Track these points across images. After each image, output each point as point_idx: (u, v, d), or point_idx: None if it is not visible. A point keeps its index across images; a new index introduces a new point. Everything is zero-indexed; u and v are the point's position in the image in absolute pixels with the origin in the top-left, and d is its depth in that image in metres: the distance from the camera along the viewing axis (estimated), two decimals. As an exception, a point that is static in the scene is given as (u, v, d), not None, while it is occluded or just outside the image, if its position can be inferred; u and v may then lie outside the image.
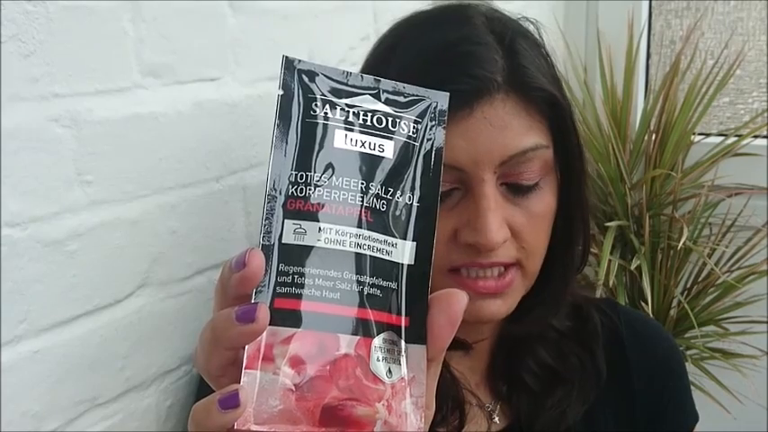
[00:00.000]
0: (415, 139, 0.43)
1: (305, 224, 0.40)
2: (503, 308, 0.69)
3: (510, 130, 0.65)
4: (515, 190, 0.67)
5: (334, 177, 0.41)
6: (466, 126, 0.64)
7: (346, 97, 0.42)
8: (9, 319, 0.66)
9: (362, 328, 0.40)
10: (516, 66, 0.66)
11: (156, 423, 0.82)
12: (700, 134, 1.55)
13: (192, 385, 0.85)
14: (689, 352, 1.42)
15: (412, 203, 0.42)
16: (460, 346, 0.74)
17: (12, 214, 0.65)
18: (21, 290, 0.67)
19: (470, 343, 0.74)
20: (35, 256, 0.67)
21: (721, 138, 1.49)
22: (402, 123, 0.43)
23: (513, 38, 0.67)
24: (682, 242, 1.32)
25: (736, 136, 1.47)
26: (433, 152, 0.43)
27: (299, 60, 0.42)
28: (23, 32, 0.64)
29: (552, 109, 0.67)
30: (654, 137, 1.45)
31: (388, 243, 0.42)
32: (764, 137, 1.52)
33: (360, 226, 0.41)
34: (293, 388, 0.39)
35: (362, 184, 0.41)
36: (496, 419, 0.76)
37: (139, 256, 0.78)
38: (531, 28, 0.73)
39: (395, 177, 0.42)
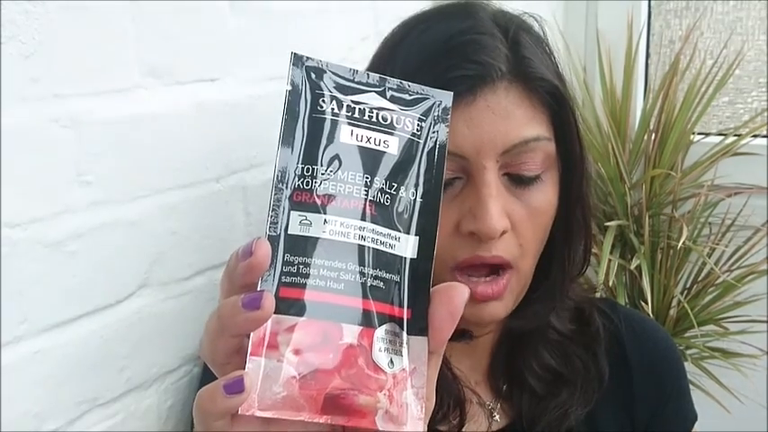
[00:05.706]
0: (419, 137, 0.44)
1: (310, 216, 0.41)
2: (500, 309, 0.69)
3: (512, 119, 0.65)
4: (517, 181, 0.67)
5: (339, 171, 0.42)
6: (469, 113, 0.64)
7: (352, 94, 0.43)
8: (9, 319, 0.66)
9: (365, 319, 0.41)
10: (520, 57, 0.66)
11: (156, 423, 0.82)
12: (699, 134, 1.55)
13: (192, 385, 0.85)
14: (689, 351, 1.42)
15: (415, 199, 0.43)
16: (464, 336, 0.74)
17: (12, 214, 0.65)
18: (21, 290, 0.66)
19: (473, 334, 0.75)
20: (35, 256, 0.67)
21: (721, 137, 1.50)
22: (407, 121, 0.44)
23: (518, 31, 0.68)
24: (681, 242, 1.32)
25: (736, 135, 1.48)
26: (437, 149, 0.44)
27: (308, 57, 0.43)
28: (23, 33, 0.64)
29: (555, 101, 0.68)
30: (653, 136, 1.46)
31: (392, 237, 0.42)
32: (764, 136, 1.53)
33: (364, 219, 0.42)
34: (297, 375, 0.39)
35: (367, 178, 0.42)
36: (497, 418, 0.76)
37: (139, 256, 0.77)
38: (536, 25, 0.73)
39: (399, 173, 0.43)
